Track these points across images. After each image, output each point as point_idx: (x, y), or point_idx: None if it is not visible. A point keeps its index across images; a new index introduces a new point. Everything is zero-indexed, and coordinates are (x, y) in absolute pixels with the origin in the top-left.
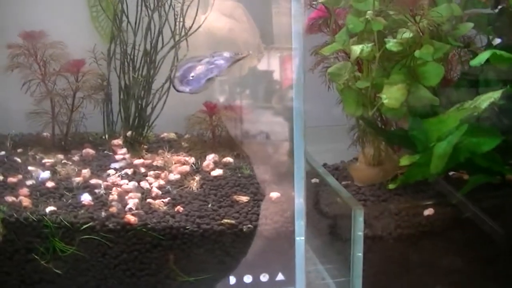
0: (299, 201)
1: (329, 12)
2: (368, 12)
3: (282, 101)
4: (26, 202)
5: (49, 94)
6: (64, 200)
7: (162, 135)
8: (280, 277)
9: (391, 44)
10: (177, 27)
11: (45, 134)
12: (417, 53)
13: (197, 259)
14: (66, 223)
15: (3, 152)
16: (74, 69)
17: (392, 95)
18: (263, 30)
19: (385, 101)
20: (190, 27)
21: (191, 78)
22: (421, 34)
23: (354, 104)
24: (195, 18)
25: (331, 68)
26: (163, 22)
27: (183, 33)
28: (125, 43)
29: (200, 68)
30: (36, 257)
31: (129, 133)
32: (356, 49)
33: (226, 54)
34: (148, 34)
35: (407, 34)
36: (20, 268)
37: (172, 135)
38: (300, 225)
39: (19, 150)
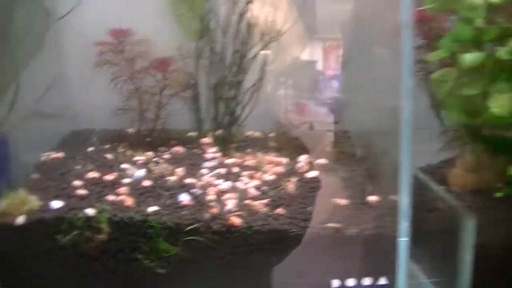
0: (405, 202)
1: (424, 16)
2: (478, 20)
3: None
4: (128, 201)
5: (137, 91)
6: (163, 200)
7: (247, 134)
8: (383, 281)
9: (503, 52)
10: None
11: (129, 130)
12: None
13: (300, 262)
14: (171, 224)
15: (92, 148)
16: (161, 66)
17: (501, 103)
18: (306, 20)
19: (494, 110)
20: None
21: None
22: None
23: (459, 111)
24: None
25: (436, 74)
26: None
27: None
28: (213, 41)
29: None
30: (139, 256)
31: (218, 131)
32: (468, 58)
33: None
34: (237, 32)
35: None
36: (123, 267)
37: (258, 134)
38: (404, 226)
39: (106, 146)
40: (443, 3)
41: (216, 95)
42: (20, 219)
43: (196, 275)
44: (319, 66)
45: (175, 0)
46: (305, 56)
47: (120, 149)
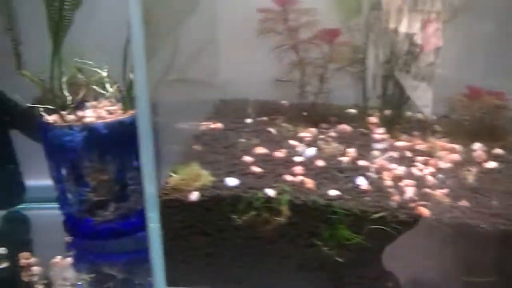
0: None
1: None
2: None
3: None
4: (309, 183)
5: (300, 63)
6: (341, 183)
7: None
8: None
9: None
10: None
11: (283, 102)
12: None
13: (485, 260)
14: (356, 211)
15: (249, 120)
16: (328, 38)
17: None
18: None
19: None
20: None
21: None
22: None
23: None
24: None
25: None
26: None
27: None
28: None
29: None
30: (318, 242)
31: (387, 111)
32: None
33: None
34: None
35: None
36: (300, 252)
37: (420, 116)
38: None
39: (263, 118)
40: None
41: (386, 72)
42: (194, 195)
43: (376, 265)
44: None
45: None
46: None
47: (279, 123)
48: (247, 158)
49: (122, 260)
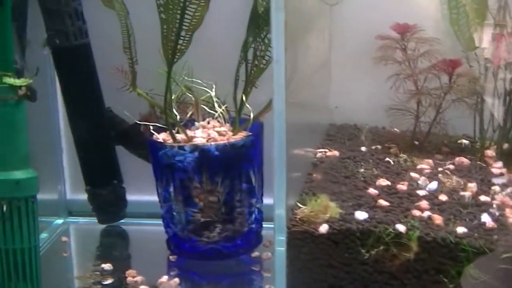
0: None
1: None
2: None
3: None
4: (437, 219)
5: (419, 93)
6: (466, 219)
7: None
8: None
9: None
10: None
11: (395, 129)
12: None
13: None
14: (485, 249)
15: (364, 148)
16: (448, 69)
17: None
18: None
19: None
20: None
21: None
22: None
23: None
24: None
25: None
26: None
27: None
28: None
29: None
30: (445, 279)
31: (505, 144)
32: None
33: None
34: None
35: None
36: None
37: None
38: None
39: (376, 147)
40: None
41: (506, 104)
42: (324, 228)
43: None
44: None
45: (452, 2)
46: None
47: (394, 152)
48: (373, 191)
49: (226, 282)
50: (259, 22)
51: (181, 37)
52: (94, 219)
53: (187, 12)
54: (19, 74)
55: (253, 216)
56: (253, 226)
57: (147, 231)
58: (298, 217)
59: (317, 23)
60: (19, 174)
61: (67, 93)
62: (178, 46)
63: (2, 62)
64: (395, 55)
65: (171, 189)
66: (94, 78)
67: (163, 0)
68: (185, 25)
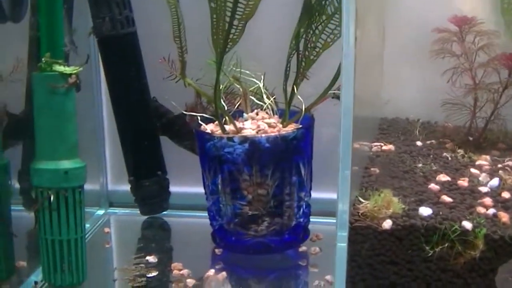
0: None
1: None
2: None
3: None
4: (504, 217)
5: (476, 87)
6: None
7: None
8: None
9: None
10: None
11: (448, 124)
12: None
13: None
14: None
15: (419, 143)
16: (508, 63)
17: None
18: None
19: None
20: None
21: None
22: None
23: None
24: None
25: None
26: None
27: None
28: None
29: None
30: (510, 278)
31: None
32: None
33: None
34: None
35: None
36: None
37: None
38: None
39: (431, 141)
40: None
41: None
42: (388, 223)
43: None
44: None
45: None
46: None
47: (450, 147)
48: (434, 186)
49: (273, 276)
50: (312, 12)
51: (234, 26)
52: (135, 210)
53: (240, 0)
54: (66, 58)
55: (301, 210)
56: (301, 220)
57: (190, 223)
58: (360, 212)
59: (374, 15)
60: (67, 164)
61: (113, 82)
62: (231, 36)
63: (52, 49)
64: (453, 49)
65: (219, 181)
66: (140, 67)
67: None
68: (238, 14)
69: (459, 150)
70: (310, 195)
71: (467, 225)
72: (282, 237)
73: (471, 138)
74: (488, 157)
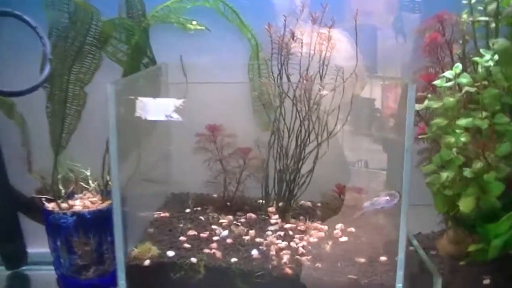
0: (400, 257)
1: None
2: (454, 149)
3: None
4: (218, 254)
5: (224, 171)
6: (241, 254)
7: (300, 203)
8: None
9: (467, 172)
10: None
11: (215, 195)
12: (485, 177)
13: None
14: (246, 271)
15: (188, 210)
16: (243, 154)
17: (466, 204)
18: (367, 59)
19: (461, 208)
20: (331, 132)
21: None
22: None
23: (442, 204)
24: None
25: (430, 178)
26: (311, 127)
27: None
28: (281, 137)
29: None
30: None
31: (280, 203)
32: (443, 176)
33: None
34: (299, 132)
35: (480, 165)
36: None
37: (308, 203)
38: (399, 275)
39: (198, 208)
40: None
41: (279, 177)
42: (147, 262)
43: None
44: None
45: (255, 97)
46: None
47: (209, 212)
48: (182, 238)
49: None
50: None
51: (62, 139)
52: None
53: (65, 121)
54: None
55: None
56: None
57: (43, 275)
58: (132, 255)
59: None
60: None
61: None
62: (61, 144)
63: None
64: (210, 146)
65: (58, 242)
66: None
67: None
68: (64, 131)
69: (210, 213)
70: None
71: (193, 259)
72: (105, 278)
73: (229, 204)
74: (231, 216)
